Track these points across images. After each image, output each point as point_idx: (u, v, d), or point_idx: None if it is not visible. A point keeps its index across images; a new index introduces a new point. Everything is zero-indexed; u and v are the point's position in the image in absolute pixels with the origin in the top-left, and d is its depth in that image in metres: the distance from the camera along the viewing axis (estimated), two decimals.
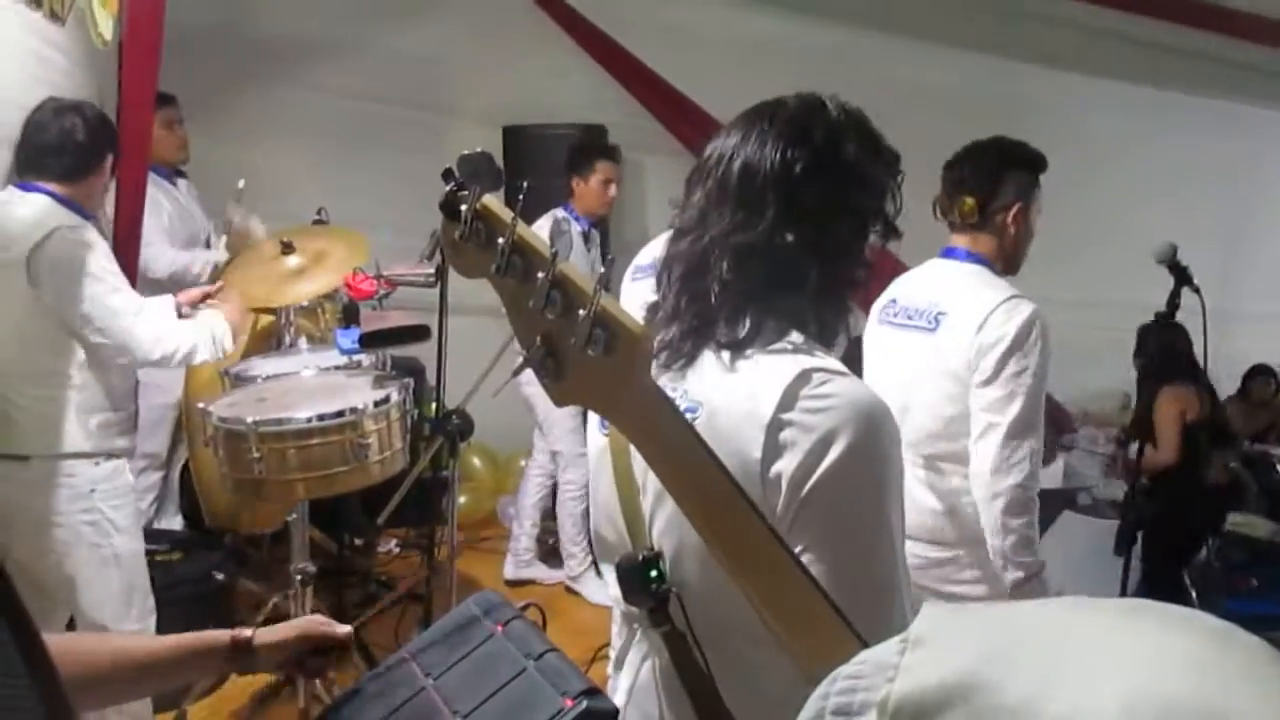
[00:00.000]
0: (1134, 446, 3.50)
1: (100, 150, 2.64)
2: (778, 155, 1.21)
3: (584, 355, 0.82)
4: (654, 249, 3.45)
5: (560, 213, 4.05)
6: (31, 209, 2.51)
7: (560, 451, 4.24)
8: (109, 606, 2.65)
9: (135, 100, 2.96)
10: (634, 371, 0.84)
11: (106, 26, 2.92)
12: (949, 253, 2.45)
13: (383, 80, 4.82)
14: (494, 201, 0.90)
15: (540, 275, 0.84)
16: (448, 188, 0.91)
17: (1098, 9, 4.25)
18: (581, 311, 0.82)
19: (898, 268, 2.51)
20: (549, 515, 4.49)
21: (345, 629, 1.42)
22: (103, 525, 2.62)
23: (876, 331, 2.46)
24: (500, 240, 0.86)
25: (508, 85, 4.91)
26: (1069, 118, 4.56)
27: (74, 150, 2.58)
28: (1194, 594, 3.96)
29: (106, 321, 2.52)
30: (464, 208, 0.89)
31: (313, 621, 1.40)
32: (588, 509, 4.05)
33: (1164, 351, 4.01)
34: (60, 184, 2.57)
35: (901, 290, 2.46)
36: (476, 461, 5.04)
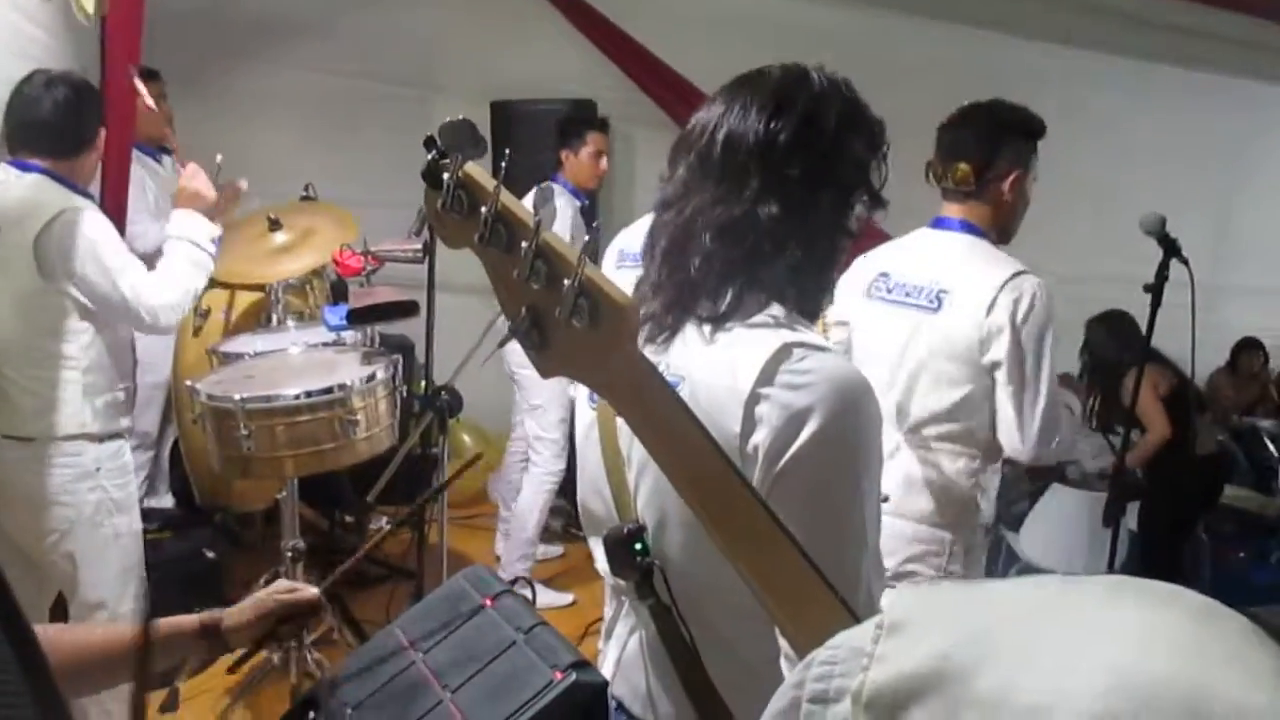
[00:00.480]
0: (1115, 438, 3.53)
1: (93, 123, 2.61)
2: (761, 126, 1.20)
3: (569, 326, 0.81)
4: (640, 232, 3.44)
5: (569, 196, 4.01)
6: (31, 190, 2.49)
7: (538, 437, 4.17)
8: (107, 586, 2.66)
9: (118, 75, 2.93)
10: (619, 342, 0.83)
11: (89, 1, 2.88)
12: (941, 223, 2.36)
13: (370, 57, 4.79)
14: (477, 170, 0.89)
15: (524, 245, 0.83)
16: (429, 156, 0.90)
17: None
18: (566, 281, 0.80)
19: (879, 237, 2.45)
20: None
21: (312, 592, 1.43)
22: (106, 504, 2.62)
23: (865, 306, 2.35)
24: (483, 209, 0.85)
25: (495, 60, 4.87)
26: (1062, 91, 4.54)
27: (68, 126, 2.54)
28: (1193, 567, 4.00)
29: (125, 301, 2.50)
30: (446, 176, 0.88)
31: (276, 593, 1.40)
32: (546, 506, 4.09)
33: (1116, 339, 4.05)
34: (54, 160, 2.54)
35: (893, 264, 2.36)
36: (466, 438, 5.03)
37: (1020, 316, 2.17)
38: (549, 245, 0.82)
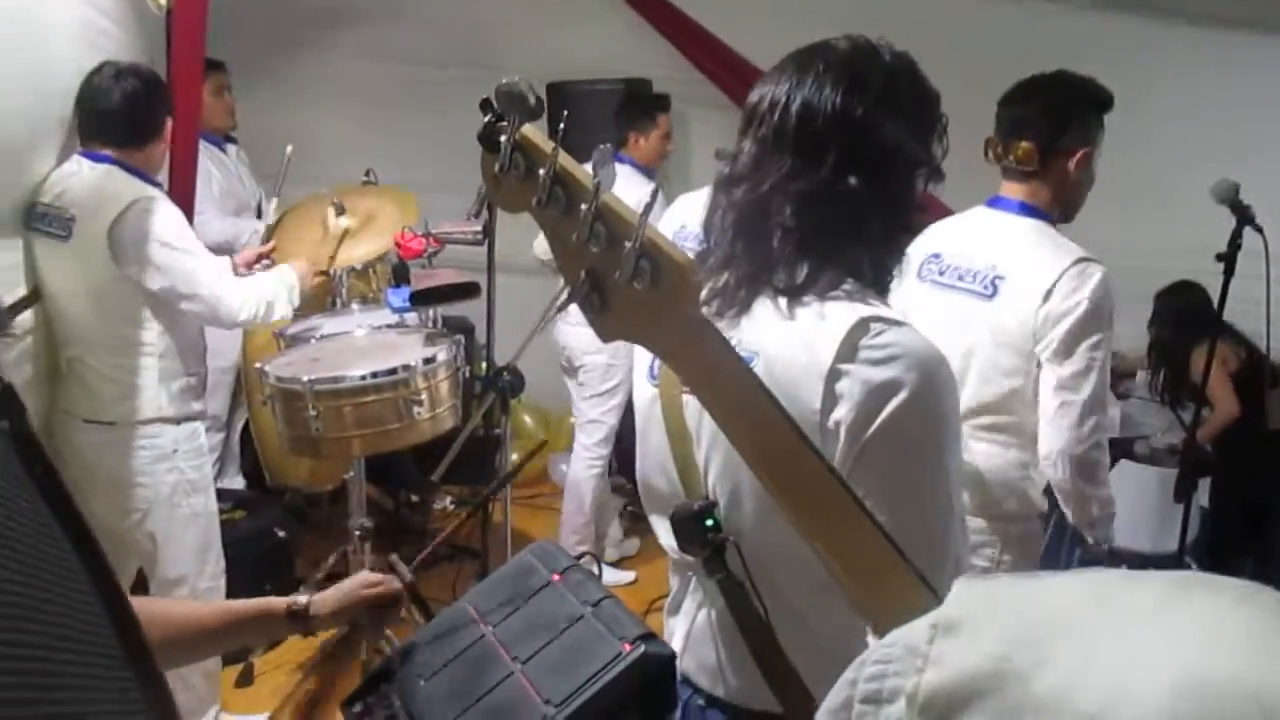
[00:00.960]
0: (1186, 414, 3.43)
1: (160, 113, 2.67)
2: (838, 98, 1.19)
3: (630, 288, 0.80)
4: (693, 207, 3.42)
5: (643, 179, 4.00)
6: (104, 180, 2.55)
7: (594, 421, 4.17)
8: (186, 563, 2.75)
9: (185, 66, 2.99)
10: (682, 303, 0.81)
11: None
12: (998, 202, 2.25)
13: (427, 41, 4.82)
14: (534, 131, 0.87)
15: (584, 207, 0.81)
16: (486, 119, 0.89)
17: None
18: (627, 243, 0.79)
19: (943, 211, 2.31)
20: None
21: (398, 586, 1.46)
22: (183, 485, 2.71)
23: (916, 289, 2.25)
24: (541, 172, 0.84)
25: (551, 42, 4.88)
26: (1126, 59, 4.42)
27: (137, 115, 2.60)
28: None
29: (195, 289, 2.57)
30: (503, 139, 0.87)
31: (365, 582, 1.43)
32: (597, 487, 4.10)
33: (1185, 312, 3.93)
34: (124, 150, 2.59)
35: (946, 244, 2.26)
36: (527, 419, 5.08)
37: (1080, 307, 2.07)
38: (608, 207, 0.81)
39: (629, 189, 3.74)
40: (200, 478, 2.77)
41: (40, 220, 2.56)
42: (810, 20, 4.64)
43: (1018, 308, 2.12)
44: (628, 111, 4.18)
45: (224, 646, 1.37)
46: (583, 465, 4.15)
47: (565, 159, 0.84)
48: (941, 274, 2.24)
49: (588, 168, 0.84)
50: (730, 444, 0.91)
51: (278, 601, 1.34)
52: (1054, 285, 2.08)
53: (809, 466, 0.87)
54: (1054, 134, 2.15)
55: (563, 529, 4.17)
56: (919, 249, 2.26)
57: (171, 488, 2.68)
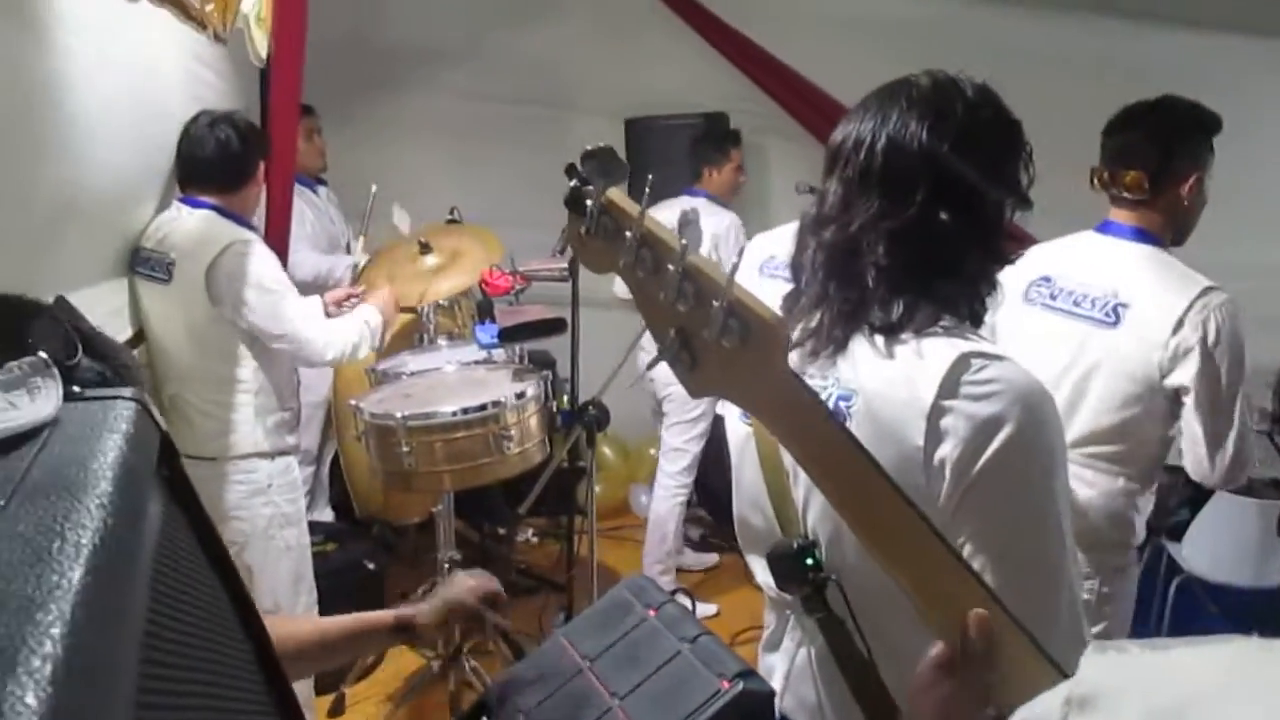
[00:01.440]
0: None
1: (253, 158, 2.76)
2: (923, 134, 1.19)
3: (719, 346, 0.80)
4: (779, 240, 3.43)
5: (688, 200, 4.07)
6: (202, 224, 2.65)
7: (679, 450, 4.20)
8: (280, 594, 2.81)
9: (282, 113, 3.11)
10: (771, 360, 0.82)
11: (262, 44, 3.06)
12: (1109, 227, 2.22)
13: (506, 80, 4.92)
14: (619, 195, 0.89)
15: (670, 268, 0.82)
16: (571, 183, 0.91)
17: None
18: (715, 302, 0.79)
19: (1026, 240, 2.30)
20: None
21: (495, 584, 1.52)
22: (277, 518, 2.77)
23: (1022, 311, 2.24)
24: (628, 233, 0.85)
25: (628, 78, 4.94)
26: (1230, 79, 4.33)
27: (231, 161, 2.70)
28: None
29: (284, 329, 2.65)
30: (589, 202, 0.88)
31: (464, 591, 1.49)
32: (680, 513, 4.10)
33: None
34: (221, 195, 2.70)
35: (1056, 268, 2.24)
36: (608, 451, 5.11)
37: (1212, 337, 2.04)
38: (695, 267, 0.81)
39: (707, 219, 3.79)
40: (294, 511, 2.84)
41: (143, 264, 2.66)
42: (884, 50, 4.67)
43: (1145, 338, 2.10)
44: (700, 147, 4.30)
45: (341, 658, 1.47)
46: (667, 494, 4.17)
47: (652, 221, 0.85)
48: (1054, 297, 2.23)
49: (667, 210, 0.85)
50: None
51: (385, 614, 1.43)
52: (1183, 316, 2.06)
53: (904, 518, 0.87)
54: (1163, 160, 2.14)
55: (646, 558, 4.19)
56: (1024, 271, 2.26)
57: (267, 521, 2.75)
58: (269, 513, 2.76)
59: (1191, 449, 2.12)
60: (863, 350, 1.20)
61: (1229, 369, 2.06)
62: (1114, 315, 2.12)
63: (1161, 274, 2.13)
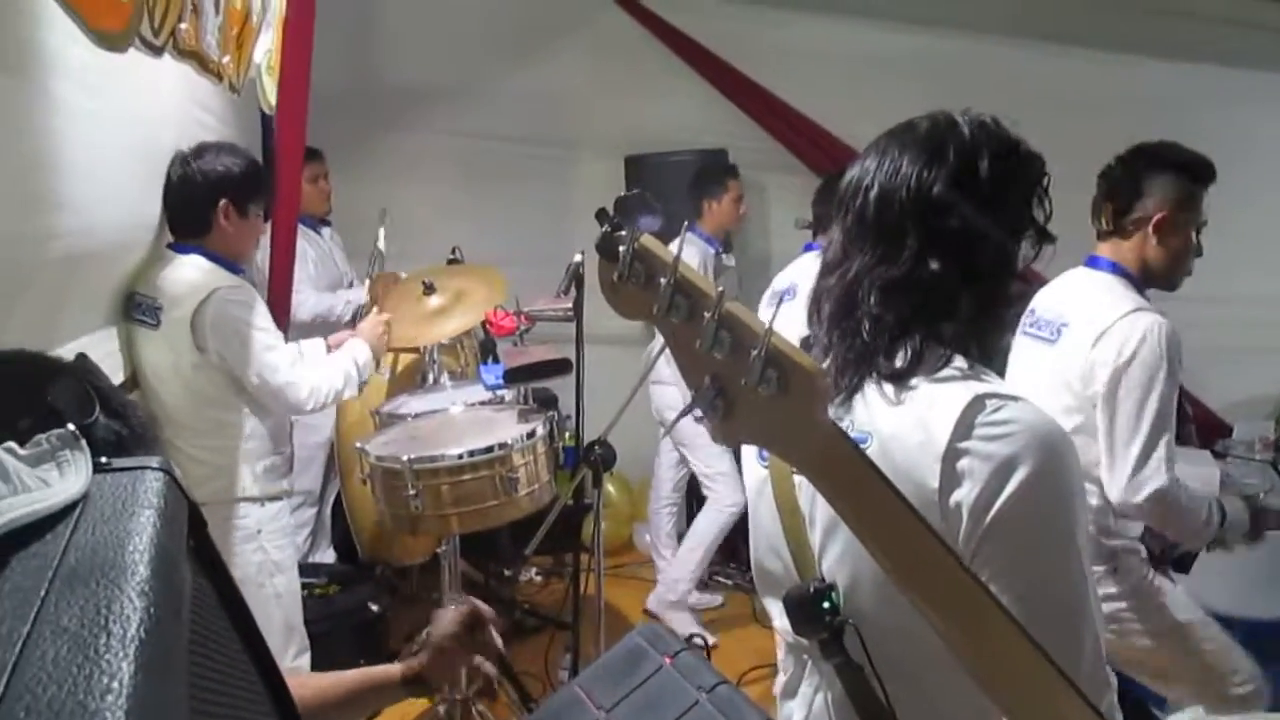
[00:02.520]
0: None
1: (205, 200, 2.62)
2: (913, 181, 1.19)
3: (756, 395, 0.80)
4: (791, 273, 3.49)
5: (703, 245, 4.16)
6: (187, 270, 2.60)
7: (716, 473, 4.21)
8: (271, 643, 2.74)
9: (287, 158, 3.12)
10: (811, 409, 0.81)
11: (272, 92, 3.08)
12: (1092, 261, 2.37)
13: (506, 120, 4.96)
14: (653, 241, 0.88)
15: (706, 315, 0.82)
16: (604, 229, 0.89)
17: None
18: (753, 351, 0.79)
19: (1034, 278, 2.42)
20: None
21: (478, 605, 1.49)
22: (267, 565, 2.71)
23: (1016, 343, 2.44)
24: (662, 281, 0.84)
25: (627, 115, 4.99)
26: (1211, 112, 4.37)
27: (183, 204, 2.62)
28: None
29: (266, 377, 2.61)
30: (622, 249, 0.87)
31: (449, 623, 1.46)
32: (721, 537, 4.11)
33: None
34: (200, 239, 2.64)
35: (1040, 300, 2.41)
36: (611, 489, 5.09)
37: (1127, 352, 2.15)
38: (733, 314, 0.81)
39: (690, 254, 3.83)
40: (284, 558, 2.77)
41: (136, 309, 2.62)
42: (880, 86, 4.72)
43: (1074, 351, 2.24)
44: (699, 181, 4.35)
45: (352, 715, 1.44)
46: (716, 514, 4.20)
47: (686, 268, 0.84)
48: (1031, 325, 2.40)
49: (688, 252, 0.84)
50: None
51: (394, 668, 1.41)
52: (1104, 332, 2.18)
53: (935, 556, 0.86)
54: (1129, 199, 2.27)
55: (669, 581, 4.24)
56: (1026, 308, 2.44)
57: (257, 568, 2.69)
58: (258, 560, 2.69)
59: (1108, 469, 2.21)
60: (874, 394, 1.20)
61: (1139, 385, 2.14)
62: (1056, 333, 2.29)
63: (1100, 294, 2.27)
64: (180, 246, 2.67)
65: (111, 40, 1.84)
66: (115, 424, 0.71)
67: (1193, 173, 2.25)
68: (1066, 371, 2.25)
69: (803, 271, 3.38)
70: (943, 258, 1.18)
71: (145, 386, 2.69)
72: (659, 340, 3.98)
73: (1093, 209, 2.34)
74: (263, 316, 2.66)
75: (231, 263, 2.70)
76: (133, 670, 0.36)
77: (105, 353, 2.52)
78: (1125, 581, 2.35)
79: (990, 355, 1.25)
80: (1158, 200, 2.25)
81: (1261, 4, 4.16)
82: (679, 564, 4.21)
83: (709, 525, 4.19)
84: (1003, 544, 1.10)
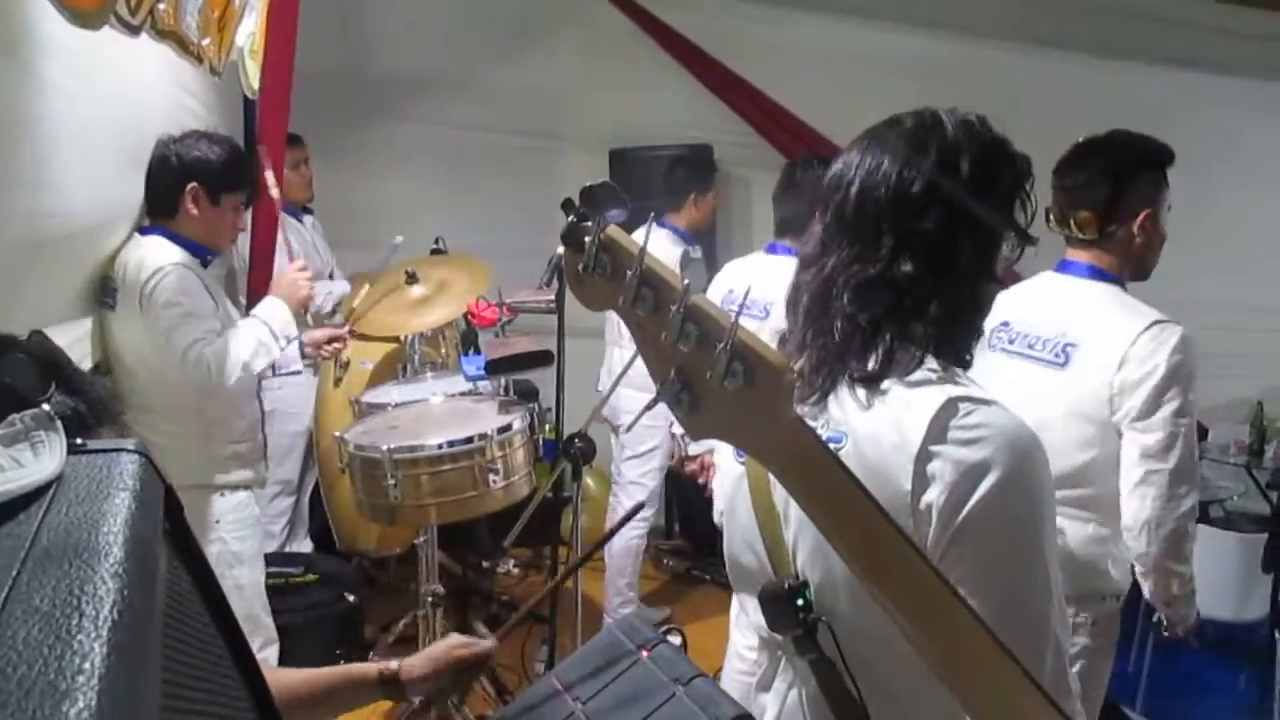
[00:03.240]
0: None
1: (179, 181, 2.60)
2: (893, 179, 1.18)
3: (722, 388, 0.79)
4: (739, 273, 3.41)
5: (664, 233, 4.06)
6: (145, 250, 2.56)
7: (630, 483, 4.13)
8: None
9: (269, 143, 3.10)
10: (776, 403, 0.80)
11: (255, 77, 3.05)
12: (1067, 266, 2.21)
13: (492, 111, 4.94)
14: (619, 232, 0.87)
15: (673, 308, 0.80)
16: (569, 219, 0.88)
17: (1227, 6, 4.10)
18: (719, 344, 0.78)
19: (1011, 277, 2.35)
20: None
21: (488, 645, 1.48)
22: (226, 556, 2.64)
23: (989, 358, 2.18)
24: (628, 272, 0.83)
25: (613, 109, 4.98)
26: (1201, 118, 4.41)
27: (157, 185, 2.61)
28: None
29: (168, 356, 2.54)
30: (588, 239, 0.86)
31: (455, 646, 1.46)
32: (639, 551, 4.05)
33: None
34: (166, 222, 2.61)
35: (1014, 312, 2.21)
36: (590, 482, 5.09)
37: (1161, 372, 2.01)
38: (698, 307, 0.80)
39: (663, 250, 3.79)
40: (244, 549, 2.71)
41: (103, 291, 2.59)
42: (865, 83, 4.72)
43: (1092, 376, 2.07)
44: (690, 173, 4.21)
45: (326, 713, 1.42)
46: (628, 531, 4.05)
47: (653, 260, 0.83)
48: (1011, 342, 2.20)
49: (655, 247, 0.84)
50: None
51: (370, 667, 1.39)
52: (1129, 351, 2.03)
53: (901, 554, 0.86)
54: (1112, 201, 2.12)
55: (609, 590, 4.15)
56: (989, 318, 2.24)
57: (214, 559, 2.60)
58: (216, 550, 2.62)
59: (1126, 485, 2.07)
60: (848, 394, 1.19)
61: (1176, 405, 2.02)
62: (1064, 355, 2.11)
63: (1109, 311, 2.12)
64: (146, 228, 2.64)
65: (84, 17, 1.82)
66: (72, 400, 0.70)
67: (1163, 162, 2.16)
68: (1084, 400, 2.08)
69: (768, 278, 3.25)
70: (917, 258, 1.17)
71: (112, 370, 2.64)
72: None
73: (1054, 215, 2.18)
74: (186, 294, 2.55)
75: (197, 246, 2.65)
76: (105, 652, 0.36)
77: (76, 337, 2.49)
78: (1101, 637, 2.19)
79: (964, 357, 1.24)
80: (1137, 199, 2.13)
81: (1254, 13, 4.19)
82: (611, 592, 4.14)
83: (625, 549, 4.10)
84: (970, 547, 1.10)
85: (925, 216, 1.17)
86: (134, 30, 2.11)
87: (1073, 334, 2.11)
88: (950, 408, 1.13)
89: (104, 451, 0.59)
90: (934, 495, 1.12)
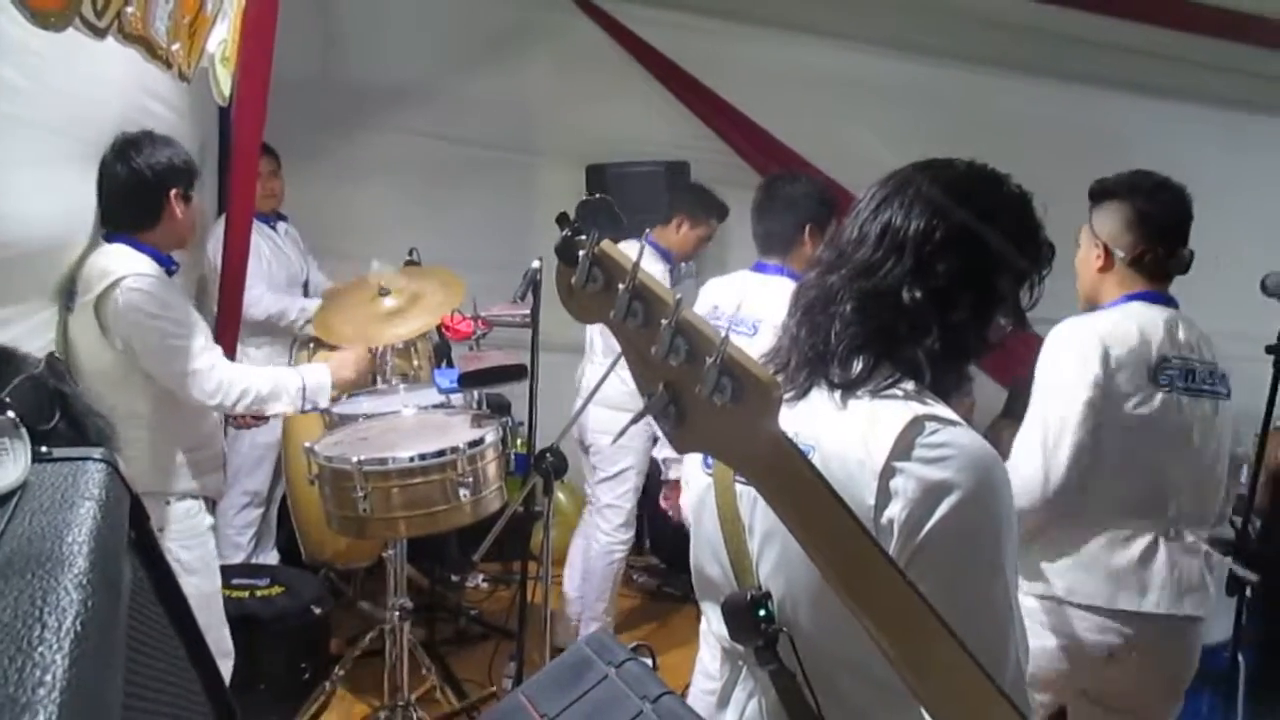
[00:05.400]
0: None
1: (160, 192, 2.57)
2: (926, 216, 1.23)
3: (709, 403, 0.79)
4: (723, 290, 3.42)
5: (659, 256, 4.03)
6: (106, 256, 2.52)
7: (607, 505, 4.07)
8: None
9: (243, 151, 3.08)
10: (763, 420, 0.81)
11: (226, 83, 3.03)
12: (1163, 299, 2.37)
13: (469, 123, 4.93)
14: (612, 247, 0.88)
15: (663, 322, 0.81)
16: (564, 233, 0.89)
17: (1189, 36, 4.18)
18: (708, 359, 0.79)
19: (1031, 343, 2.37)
20: None
21: None
22: (173, 567, 2.59)
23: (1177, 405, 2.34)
24: (620, 286, 0.84)
25: (590, 124, 4.98)
26: (1165, 146, 4.49)
27: (132, 199, 2.57)
28: None
29: (169, 365, 2.52)
30: (582, 253, 0.87)
31: None
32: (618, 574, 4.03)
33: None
34: (139, 232, 2.57)
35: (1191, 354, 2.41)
36: (561, 497, 5.07)
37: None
38: (689, 322, 0.81)
39: (648, 266, 3.75)
40: (193, 559, 2.64)
41: (66, 294, 2.55)
42: (839, 102, 4.74)
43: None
44: (689, 195, 4.16)
45: None
46: (605, 552, 4.01)
47: (645, 275, 0.84)
48: (1194, 382, 2.35)
49: (650, 267, 0.84)
50: (792, 542, 0.90)
51: None
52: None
53: (880, 571, 0.87)
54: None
55: (576, 609, 4.10)
56: None
57: None
58: None
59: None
60: (822, 401, 1.23)
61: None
62: (1222, 384, 2.36)
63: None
64: (111, 235, 2.59)
65: (48, 19, 1.79)
66: (71, 433, 0.70)
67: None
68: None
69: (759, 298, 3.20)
70: (925, 290, 1.21)
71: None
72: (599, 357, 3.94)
73: (1155, 258, 2.29)
74: (170, 307, 2.53)
75: (163, 255, 2.62)
76: (67, 664, 0.35)
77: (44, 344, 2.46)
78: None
79: (941, 390, 1.26)
80: None
81: (1222, 45, 4.27)
82: (591, 610, 4.08)
83: (604, 572, 4.03)
84: (930, 565, 1.12)
85: (943, 258, 1.22)
86: (100, 33, 2.08)
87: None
88: (916, 426, 1.15)
89: (70, 460, 0.58)
90: (896, 511, 1.14)
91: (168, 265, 2.64)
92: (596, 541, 4.05)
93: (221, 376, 2.59)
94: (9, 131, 1.93)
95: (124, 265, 2.51)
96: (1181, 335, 2.27)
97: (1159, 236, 2.25)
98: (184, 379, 2.54)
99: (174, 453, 2.63)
